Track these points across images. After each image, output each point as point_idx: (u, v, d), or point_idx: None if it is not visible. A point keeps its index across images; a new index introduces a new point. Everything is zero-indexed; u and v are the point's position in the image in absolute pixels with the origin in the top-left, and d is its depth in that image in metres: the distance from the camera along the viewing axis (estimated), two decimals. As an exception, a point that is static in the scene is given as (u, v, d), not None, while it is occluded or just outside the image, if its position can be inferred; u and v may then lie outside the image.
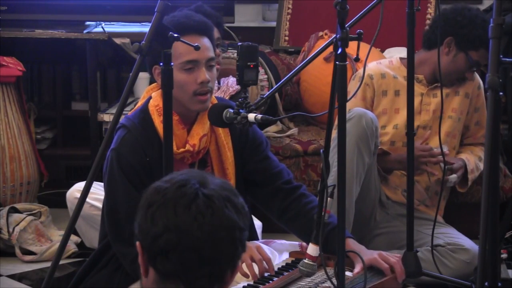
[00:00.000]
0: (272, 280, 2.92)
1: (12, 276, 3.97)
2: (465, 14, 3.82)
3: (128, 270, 3.06)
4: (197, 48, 2.73)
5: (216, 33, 3.81)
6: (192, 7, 3.72)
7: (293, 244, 3.31)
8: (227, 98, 4.10)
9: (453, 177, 3.82)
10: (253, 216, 3.53)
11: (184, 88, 3.00)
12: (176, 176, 1.83)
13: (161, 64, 2.59)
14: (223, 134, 3.14)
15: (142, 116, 3.08)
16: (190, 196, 1.77)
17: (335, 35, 2.66)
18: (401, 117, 3.85)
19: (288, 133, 4.51)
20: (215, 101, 3.11)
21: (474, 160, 3.95)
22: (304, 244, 3.20)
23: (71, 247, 4.16)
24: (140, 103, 3.21)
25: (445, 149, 3.69)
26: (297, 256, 3.09)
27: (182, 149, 3.04)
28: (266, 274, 2.96)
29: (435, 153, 3.72)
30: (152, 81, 3.22)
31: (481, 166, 3.93)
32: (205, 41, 3.04)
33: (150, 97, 3.12)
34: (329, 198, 2.68)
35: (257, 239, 3.30)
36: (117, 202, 3.02)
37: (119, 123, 3.09)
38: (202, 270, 1.77)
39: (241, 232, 1.78)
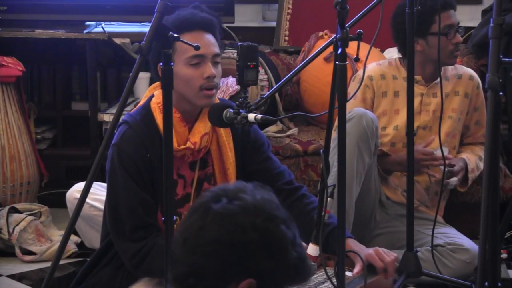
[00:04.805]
0: (272, 280, 2.91)
1: (12, 276, 3.97)
2: (398, 12, 3.81)
3: (127, 266, 3.06)
4: (197, 48, 2.73)
5: None
6: (189, 7, 3.72)
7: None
8: (226, 98, 4.10)
9: (453, 180, 3.82)
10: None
11: (190, 83, 3.01)
12: (225, 185, 1.87)
13: (161, 64, 2.59)
14: (225, 134, 3.14)
15: (144, 113, 3.09)
16: (201, 211, 1.81)
17: (335, 35, 2.66)
18: (401, 118, 3.85)
19: (288, 133, 4.51)
20: (218, 102, 3.12)
21: (474, 159, 3.96)
22: (304, 244, 3.20)
23: (71, 247, 4.16)
24: (142, 101, 3.22)
25: (446, 152, 3.70)
26: (297, 256, 3.09)
27: (182, 146, 3.04)
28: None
29: (437, 157, 3.72)
30: (152, 81, 3.22)
31: (482, 165, 3.93)
32: (210, 38, 3.06)
33: (153, 95, 3.14)
34: (329, 198, 2.68)
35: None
36: (118, 197, 3.03)
37: (121, 120, 3.10)
38: (188, 281, 1.78)
39: (232, 251, 1.77)
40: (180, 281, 1.80)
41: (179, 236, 1.81)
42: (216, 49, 3.06)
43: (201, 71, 3.02)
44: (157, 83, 3.18)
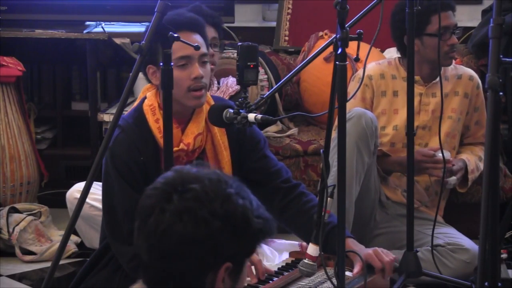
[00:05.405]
0: (272, 280, 2.92)
1: (12, 276, 3.97)
2: (396, 10, 3.79)
3: (126, 269, 3.06)
4: (197, 48, 2.73)
5: (213, 33, 3.81)
6: (189, 7, 3.72)
7: (293, 244, 3.31)
8: (226, 98, 4.09)
9: (453, 179, 3.82)
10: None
11: (179, 84, 3.00)
12: (166, 178, 1.81)
13: (161, 64, 2.59)
14: (219, 134, 3.13)
15: (136, 116, 3.09)
16: (156, 213, 1.78)
17: (335, 35, 2.66)
18: (401, 118, 3.85)
19: (288, 133, 4.51)
20: (211, 101, 3.12)
21: (474, 160, 3.95)
22: (304, 244, 3.20)
23: (71, 247, 4.16)
24: (136, 103, 3.22)
25: (447, 155, 3.69)
26: (297, 256, 3.09)
27: (176, 148, 3.03)
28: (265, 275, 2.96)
29: (438, 160, 3.71)
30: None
31: (481, 166, 3.93)
32: (197, 38, 3.04)
33: (145, 97, 3.13)
34: (329, 198, 2.68)
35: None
36: (113, 201, 3.03)
37: (115, 123, 3.10)
38: (167, 284, 1.77)
39: (201, 245, 1.74)
40: (157, 285, 1.78)
41: (142, 243, 1.78)
42: (203, 49, 3.05)
43: (188, 72, 3.02)
44: (149, 85, 3.19)
